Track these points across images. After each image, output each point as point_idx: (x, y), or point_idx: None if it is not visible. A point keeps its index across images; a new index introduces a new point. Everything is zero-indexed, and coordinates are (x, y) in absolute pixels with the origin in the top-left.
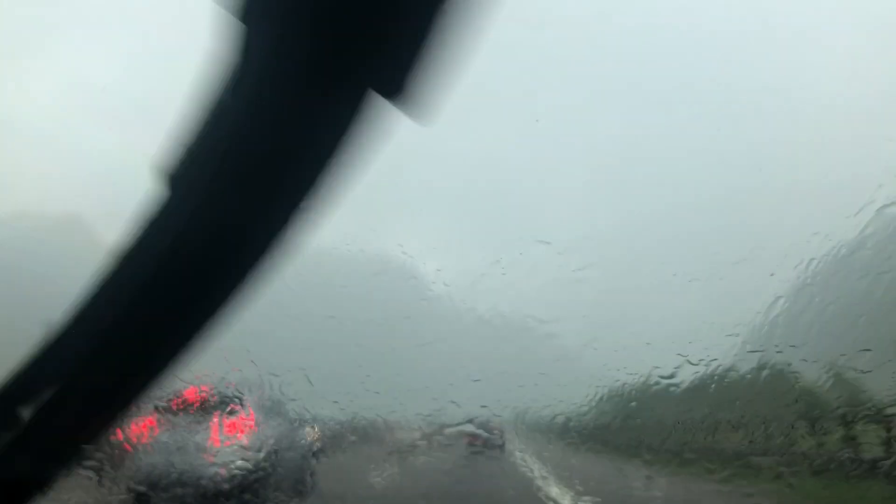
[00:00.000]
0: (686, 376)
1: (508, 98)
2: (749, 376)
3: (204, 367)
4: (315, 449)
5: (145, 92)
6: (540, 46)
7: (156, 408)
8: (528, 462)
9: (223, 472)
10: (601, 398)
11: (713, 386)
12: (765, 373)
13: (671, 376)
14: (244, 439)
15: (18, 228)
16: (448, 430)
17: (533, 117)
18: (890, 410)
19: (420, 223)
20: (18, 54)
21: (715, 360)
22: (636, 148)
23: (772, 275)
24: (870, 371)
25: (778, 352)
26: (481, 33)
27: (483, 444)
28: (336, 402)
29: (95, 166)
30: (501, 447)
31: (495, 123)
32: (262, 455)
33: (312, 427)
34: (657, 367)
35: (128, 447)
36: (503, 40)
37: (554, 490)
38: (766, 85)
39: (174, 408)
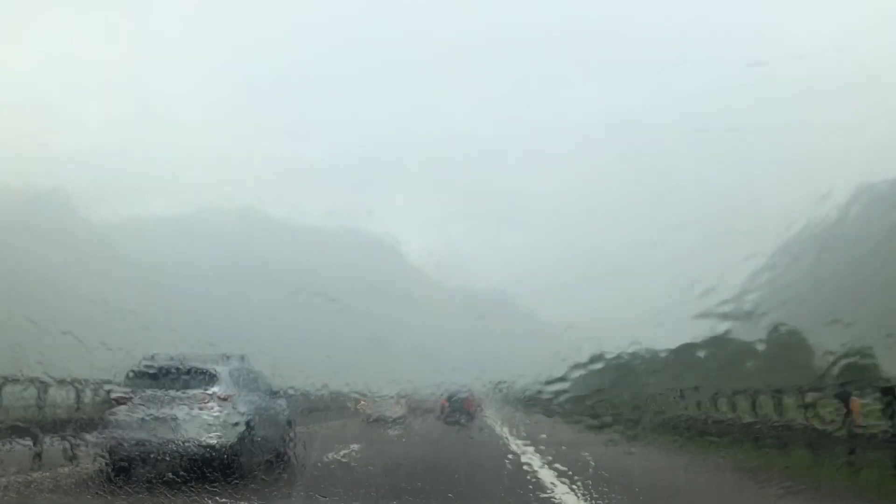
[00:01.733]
0: (655, 351)
1: (491, 75)
2: (720, 350)
3: (179, 341)
4: (291, 420)
5: (129, 67)
6: (519, 25)
7: (130, 380)
8: (502, 431)
9: (197, 443)
10: (576, 371)
11: (679, 361)
12: (739, 345)
13: (643, 350)
14: (217, 411)
15: (1, 202)
16: (425, 400)
17: (515, 94)
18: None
19: (402, 199)
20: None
21: (687, 338)
22: (619, 123)
23: (747, 257)
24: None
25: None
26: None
27: (458, 413)
28: (314, 374)
29: (79, 141)
30: (476, 417)
31: (477, 103)
32: (235, 426)
33: (287, 398)
34: (631, 341)
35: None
36: (486, 24)
37: (526, 457)
38: (753, 61)
39: (149, 380)
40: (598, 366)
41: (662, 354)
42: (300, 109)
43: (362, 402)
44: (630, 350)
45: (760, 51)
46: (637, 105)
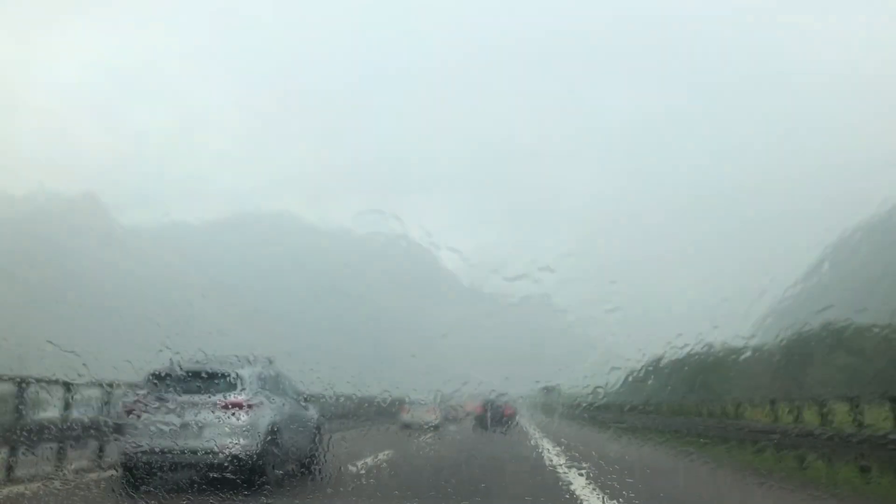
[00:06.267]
0: (668, 361)
1: (528, 79)
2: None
3: (208, 344)
4: (320, 426)
5: (164, 76)
6: (557, 30)
7: (151, 383)
8: (536, 437)
9: (219, 450)
10: (613, 377)
11: (700, 370)
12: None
13: (673, 359)
14: (241, 416)
15: (35, 207)
16: (460, 406)
17: (554, 98)
18: None
19: (436, 203)
20: (40, 35)
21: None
22: (661, 128)
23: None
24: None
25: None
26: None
27: (495, 420)
28: (346, 378)
29: (112, 148)
30: (512, 424)
31: (514, 106)
32: (260, 433)
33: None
34: (667, 348)
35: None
36: (523, 27)
37: (557, 459)
38: (800, 59)
39: (171, 383)
40: (665, 368)
41: (736, 354)
42: (333, 114)
43: (403, 408)
44: (702, 344)
45: (805, 55)
46: (680, 110)
